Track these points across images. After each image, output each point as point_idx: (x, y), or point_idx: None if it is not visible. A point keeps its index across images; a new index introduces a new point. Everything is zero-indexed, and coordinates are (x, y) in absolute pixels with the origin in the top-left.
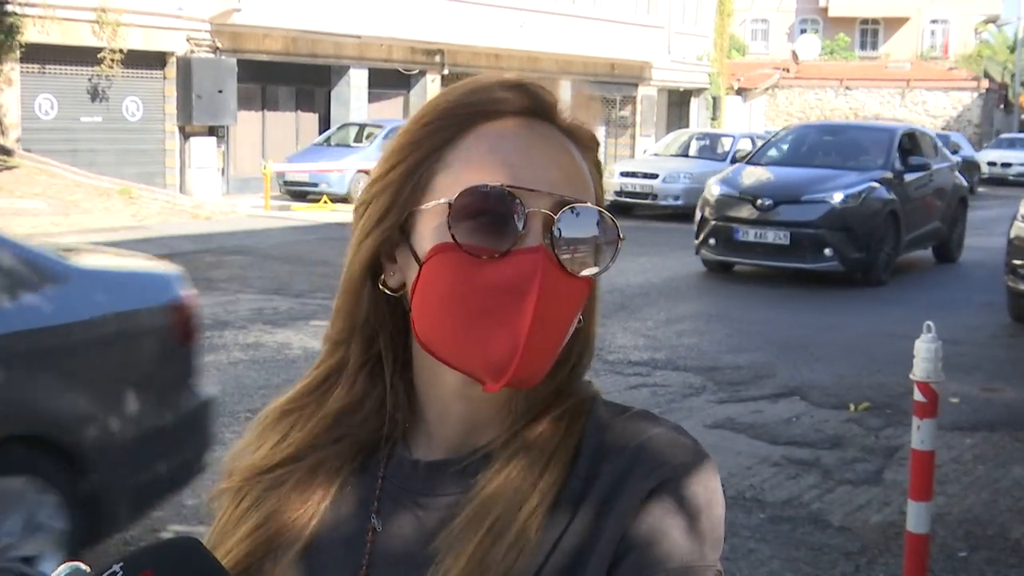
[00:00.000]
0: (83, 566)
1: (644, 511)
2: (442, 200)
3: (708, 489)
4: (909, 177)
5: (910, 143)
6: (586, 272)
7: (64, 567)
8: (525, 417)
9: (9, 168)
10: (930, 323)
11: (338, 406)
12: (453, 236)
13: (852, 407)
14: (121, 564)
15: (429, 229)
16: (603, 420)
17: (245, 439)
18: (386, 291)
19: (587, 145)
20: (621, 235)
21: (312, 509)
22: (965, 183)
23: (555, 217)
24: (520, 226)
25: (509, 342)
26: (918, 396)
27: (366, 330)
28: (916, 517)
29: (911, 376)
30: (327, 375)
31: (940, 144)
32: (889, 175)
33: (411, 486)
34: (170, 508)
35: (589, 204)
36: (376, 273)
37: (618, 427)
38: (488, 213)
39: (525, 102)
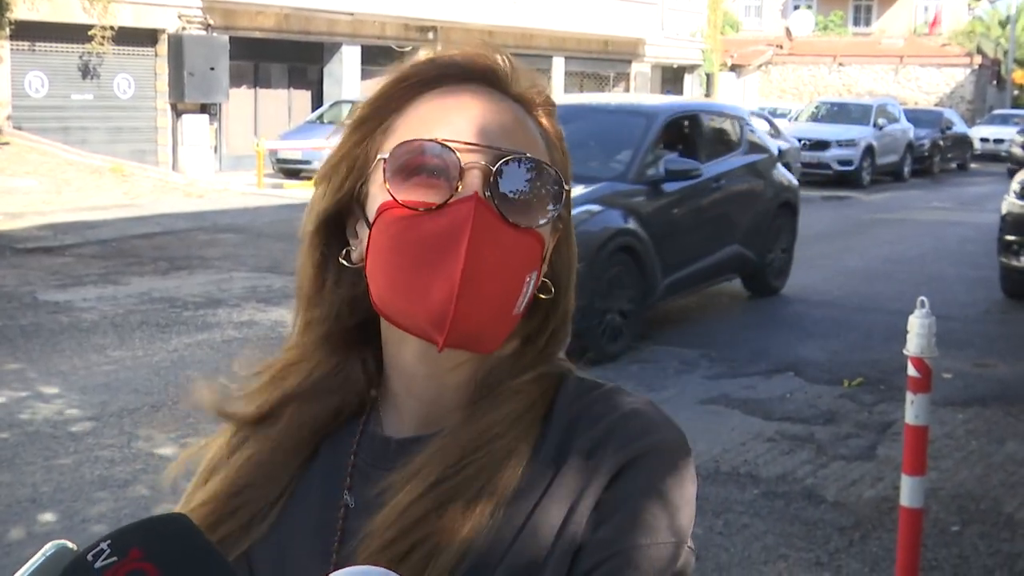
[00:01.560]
0: (69, 544)
1: (614, 487)
2: (379, 157)
3: (680, 466)
4: (672, 187)
5: (688, 132)
6: (531, 223)
7: (50, 545)
8: (490, 391)
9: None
10: (923, 298)
11: (319, 375)
12: (390, 192)
13: (846, 383)
14: (108, 541)
15: (376, 194)
16: (574, 395)
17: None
18: (344, 263)
19: (544, 111)
20: (566, 186)
21: (283, 484)
22: (792, 181)
23: (493, 169)
24: (455, 179)
25: (445, 289)
26: (911, 371)
27: (342, 305)
28: (909, 492)
29: (904, 351)
30: (304, 350)
31: (751, 127)
32: (634, 188)
33: (382, 463)
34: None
35: (528, 155)
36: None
37: (590, 403)
38: (425, 168)
39: (474, 72)
